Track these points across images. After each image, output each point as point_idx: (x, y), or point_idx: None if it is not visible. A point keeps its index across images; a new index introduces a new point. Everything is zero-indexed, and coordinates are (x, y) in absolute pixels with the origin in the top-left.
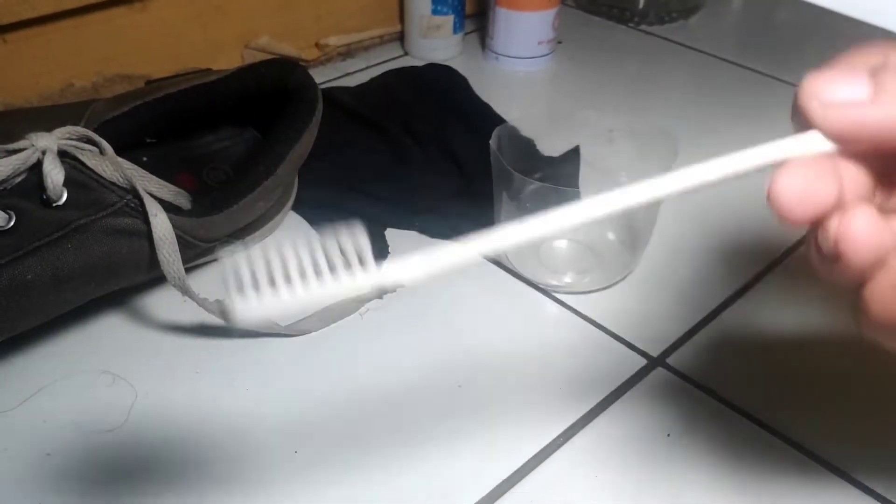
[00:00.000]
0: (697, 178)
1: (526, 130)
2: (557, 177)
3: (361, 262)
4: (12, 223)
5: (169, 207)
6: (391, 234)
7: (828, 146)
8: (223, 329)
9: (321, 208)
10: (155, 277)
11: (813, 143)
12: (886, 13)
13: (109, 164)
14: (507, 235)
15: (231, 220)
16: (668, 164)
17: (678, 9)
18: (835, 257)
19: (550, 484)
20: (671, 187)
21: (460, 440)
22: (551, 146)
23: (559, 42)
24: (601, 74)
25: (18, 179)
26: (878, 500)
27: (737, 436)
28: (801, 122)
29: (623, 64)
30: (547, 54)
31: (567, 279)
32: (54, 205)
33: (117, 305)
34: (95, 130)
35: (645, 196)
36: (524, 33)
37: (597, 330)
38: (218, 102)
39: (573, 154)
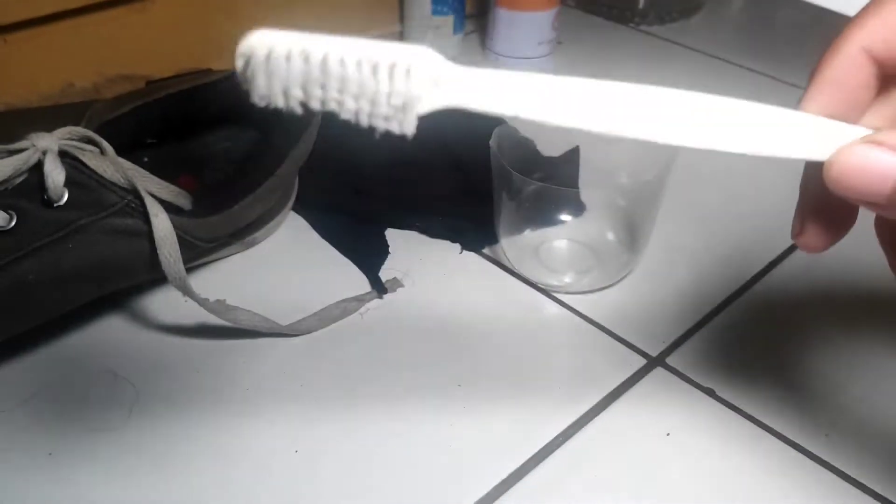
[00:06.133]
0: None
1: (525, 131)
2: (557, 177)
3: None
4: (13, 223)
5: (170, 208)
6: (391, 234)
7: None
8: (224, 329)
9: (322, 209)
10: (156, 278)
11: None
12: None
13: (110, 165)
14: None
15: (231, 221)
16: (668, 163)
17: (679, 9)
18: None
19: (549, 484)
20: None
21: (459, 440)
22: (551, 146)
23: (559, 42)
24: (601, 75)
25: (19, 180)
26: (878, 500)
27: (736, 436)
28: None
29: (623, 64)
30: (547, 55)
31: (567, 279)
32: (55, 205)
33: (118, 305)
34: (96, 131)
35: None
36: (524, 33)
37: (596, 330)
38: (218, 103)
39: (573, 154)
